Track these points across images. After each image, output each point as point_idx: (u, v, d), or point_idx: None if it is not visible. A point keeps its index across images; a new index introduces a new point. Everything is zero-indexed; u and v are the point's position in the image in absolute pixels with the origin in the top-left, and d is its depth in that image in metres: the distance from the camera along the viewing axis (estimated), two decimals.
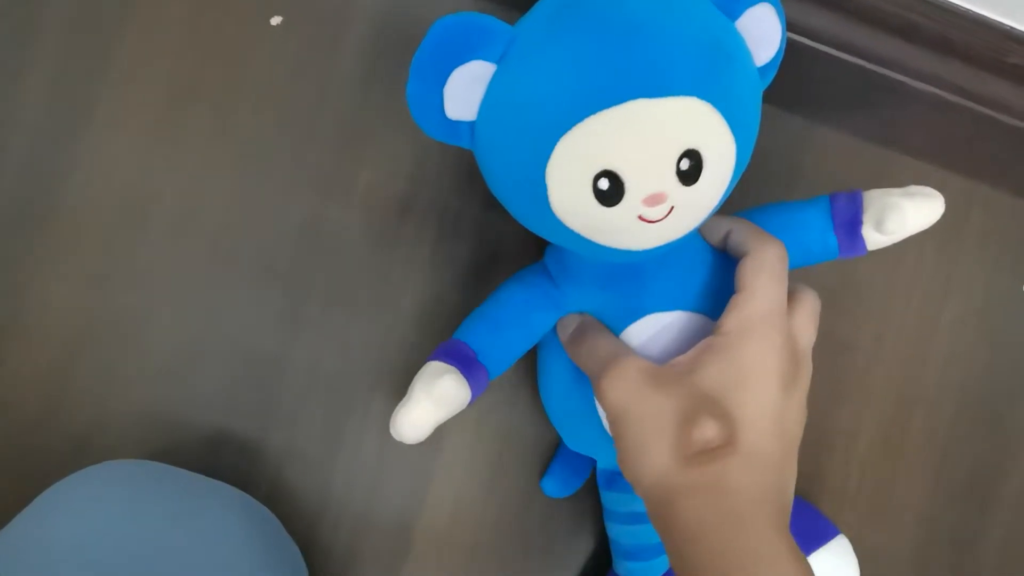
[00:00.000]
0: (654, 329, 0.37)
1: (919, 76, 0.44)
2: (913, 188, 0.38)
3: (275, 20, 0.45)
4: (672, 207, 0.33)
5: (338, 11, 0.45)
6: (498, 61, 0.32)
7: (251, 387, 0.45)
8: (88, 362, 0.44)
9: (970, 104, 0.44)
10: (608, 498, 0.45)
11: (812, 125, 0.48)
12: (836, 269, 0.44)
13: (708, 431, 0.33)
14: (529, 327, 0.39)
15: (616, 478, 0.44)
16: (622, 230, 0.33)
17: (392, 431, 0.36)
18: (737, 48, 0.33)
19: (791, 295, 0.36)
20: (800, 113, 0.48)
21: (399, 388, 0.45)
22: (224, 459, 0.45)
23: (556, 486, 0.46)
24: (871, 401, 0.49)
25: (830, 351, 0.49)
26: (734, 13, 0.34)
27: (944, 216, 0.49)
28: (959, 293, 0.50)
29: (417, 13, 0.46)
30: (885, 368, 0.49)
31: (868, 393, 0.49)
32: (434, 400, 0.36)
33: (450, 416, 0.37)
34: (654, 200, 0.32)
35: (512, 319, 0.39)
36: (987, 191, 0.50)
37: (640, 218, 0.33)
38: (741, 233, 0.37)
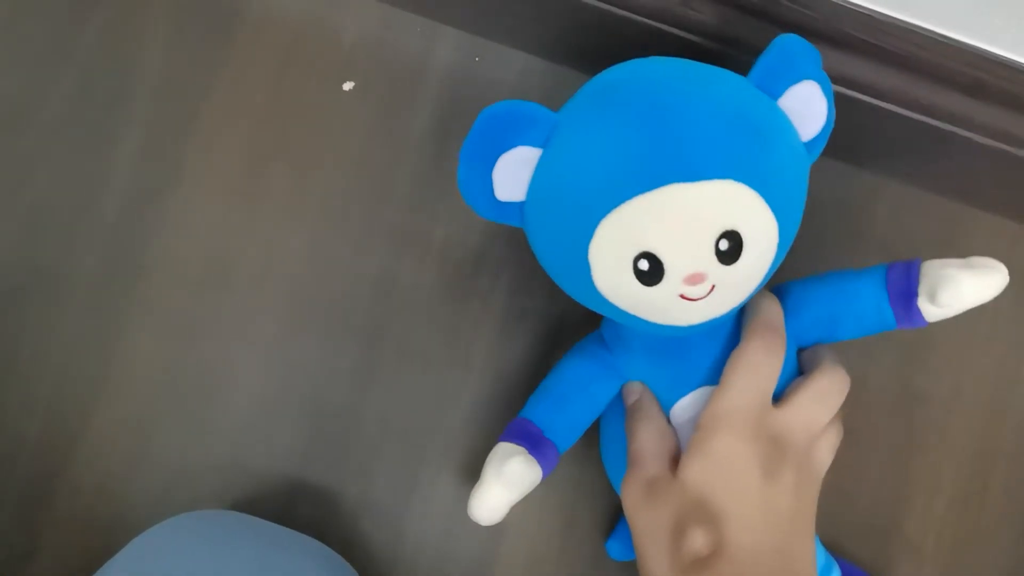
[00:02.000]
0: (701, 403, 0.38)
1: (987, 132, 0.44)
2: (975, 259, 0.37)
3: (347, 85, 0.47)
4: (713, 285, 0.33)
5: (411, 73, 0.47)
6: (543, 145, 0.34)
7: (327, 439, 0.46)
8: (171, 415, 0.45)
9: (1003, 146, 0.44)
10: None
11: (884, 180, 0.49)
12: None
13: (696, 541, 0.34)
14: (592, 399, 0.40)
15: None
16: (665, 308, 0.34)
17: (469, 514, 0.38)
18: (778, 128, 0.34)
19: (811, 370, 0.37)
20: (871, 168, 0.48)
21: (471, 441, 0.46)
22: (301, 510, 0.45)
23: (621, 549, 0.46)
24: (949, 455, 0.48)
25: (907, 403, 0.48)
26: (775, 93, 0.35)
27: (1020, 266, 0.49)
28: None
29: (486, 74, 0.47)
30: (964, 421, 0.48)
31: (946, 446, 0.48)
32: (504, 483, 0.37)
33: (524, 495, 0.38)
34: (694, 280, 0.33)
35: (574, 392, 0.40)
36: None
37: (682, 296, 0.33)
38: (750, 309, 0.38)
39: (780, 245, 0.34)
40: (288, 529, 0.40)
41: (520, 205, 0.35)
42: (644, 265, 0.32)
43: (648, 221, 0.31)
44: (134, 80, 0.46)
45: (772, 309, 0.38)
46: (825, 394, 0.37)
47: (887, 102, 0.43)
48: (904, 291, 0.37)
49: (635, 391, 0.39)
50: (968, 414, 0.49)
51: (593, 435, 0.47)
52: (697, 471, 0.35)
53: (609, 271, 0.33)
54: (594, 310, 0.37)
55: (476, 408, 0.46)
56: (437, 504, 0.46)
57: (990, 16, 0.39)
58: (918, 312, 0.37)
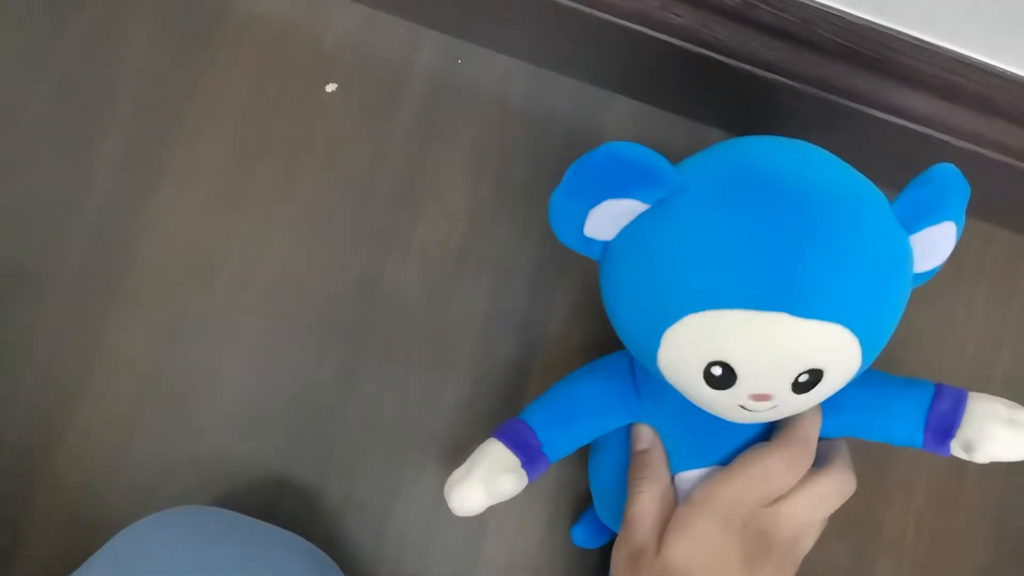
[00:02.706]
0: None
1: (961, 134, 0.44)
2: (1019, 414, 0.36)
3: (330, 87, 0.47)
4: (776, 406, 0.32)
5: (393, 75, 0.48)
6: (654, 204, 0.31)
7: (310, 438, 0.46)
8: (154, 414, 0.45)
9: (1012, 161, 0.45)
10: None
11: None
12: None
13: None
14: (600, 428, 0.39)
15: None
16: (720, 410, 0.34)
17: (446, 498, 0.37)
18: (901, 269, 0.32)
19: (821, 465, 0.36)
20: None
21: (453, 441, 0.46)
22: (284, 508, 0.45)
23: (585, 535, 0.46)
24: (926, 456, 0.48)
25: None
26: (912, 228, 0.33)
27: (994, 267, 0.50)
28: (1012, 343, 0.50)
29: (468, 76, 0.48)
30: None
31: None
32: (490, 493, 0.37)
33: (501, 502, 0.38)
34: (761, 399, 0.32)
35: (585, 416, 0.39)
36: None
37: (741, 407, 0.33)
38: (782, 421, 0.37)
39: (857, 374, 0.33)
40: (271, 525, 0.40)
41: (604, 244, 0.34)
42: (717, 371, 0.31)
43: (739, 337, 0.30)
44: (117, 82, 0.46)
45: (811, 424, 0.36)
46: (826, 497, 0.36)
47: (862, 104, 0.43)
48: (944, 429, 0.36)
49: (646, 439, 0.38)
50: None
51: None
52: (680, 551, 0.35)
53: (678, 361, 0.32)
54: (639, 361, 0.36)
55: (458, 408, 0.47)
56: (420, 503, 0.46)
57: (965, 20, 0.40)
58: (947, 450, 0.37)
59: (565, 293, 0.47)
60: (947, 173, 0.32)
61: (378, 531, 0.46)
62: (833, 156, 0.33)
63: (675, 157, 0.33)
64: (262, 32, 0.47)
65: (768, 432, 0.37)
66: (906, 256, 0.32)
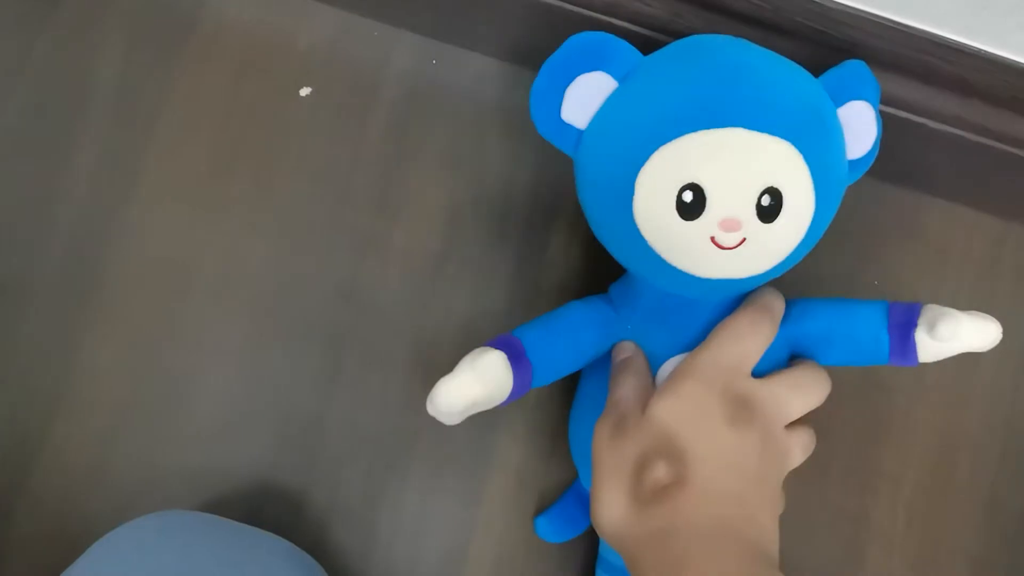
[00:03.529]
0: None
1: (942, 119, 0.44)
2: (974, 312, 0.38)
3: (304, 91, 0.47)
4: (744, 239, 0.35)
5: (368, 77, 0.47)
6: (620, 80, 0.36)
7: (293, 445, 0.45)
8: (135, 424, 0.45)
9: (994, 143, 0.45)
10: (605, 545, 0.44)
11: None
12: None
13: (658, 470, 0.35)
14: (579, 342, 0.40)
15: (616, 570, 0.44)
16: (694, 251, 0.35)
17: (428, 404, 0.36)
18: (834, 126, 0.37)
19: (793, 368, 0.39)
20: None
21: (436, 446, 0.46)
22: (269, 514, 0.45)
23: (549, 529, 0.46)
24: (914, 442, 0.48)
25: (870, 393, 0.48)
26: (838, 100, 0.37)
27: (978, 255, 0.50)
28: None
29: (443, 76, 0.47)
30: (927, 409, 0.49)
31: (911, 434, 0.48)
32: (477, 373, 0.36)
33: (488, 402, 0.37)
34: (730, 225, 0.34)
35: (566, 330, 0.40)
36: (1019, 229, 0.50)
37: (712, 240, 0.35)
38: (745, 299, 0.39)
39: (809, 230, 0.36)
40: (255, 528, 0.40)
41: (579, 133, 0.37)
42: (688, 196, 0.34)
43: (704, 155, 0.33)
44: (89, 92, 0.46)
45: (772, 296, 0.39)
46: (802, 386, 0.38)
47: None
48: (904, 322, 0.38)
49: (627, 349, 0.40)
50: (931, 402, 0.49)
51: (555, 431, 0.47)
52: (665, 409, 0.36)
53: (652, 199, 0.35)
54: (618, 254, 0.39)
55: None
56: (405, 507, 0.46)
57: (939, 1, 0.39)
58: (913, 346, 0.38)
59: (545, 293, 0.47)
60: (858, 63, 0.39)
61: (365, 536, 0.46)
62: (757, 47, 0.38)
63: None
64: (234, 38, 0.47)
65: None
66: (836, 119, 0.37)
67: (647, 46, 0.42)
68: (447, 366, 0.46)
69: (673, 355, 0.39)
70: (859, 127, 0.39)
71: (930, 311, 0.38)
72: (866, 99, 0.39)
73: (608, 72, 0.36)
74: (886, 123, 0.41)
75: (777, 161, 0.34)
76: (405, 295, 0.46)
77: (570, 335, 0.40)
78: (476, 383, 0.36)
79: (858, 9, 0.39)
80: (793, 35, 0.41)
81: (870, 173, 0.49)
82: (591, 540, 0.46)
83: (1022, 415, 0.49)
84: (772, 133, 0.34)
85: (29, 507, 0.44)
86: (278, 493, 0.45)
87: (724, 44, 0.37)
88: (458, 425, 0.45)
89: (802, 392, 0.38)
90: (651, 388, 0.38)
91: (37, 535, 0.44)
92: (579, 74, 0.36)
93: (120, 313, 0.45)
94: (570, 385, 0.44)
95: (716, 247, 0.35)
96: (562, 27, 0.43)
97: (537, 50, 0.47)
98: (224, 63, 0.47)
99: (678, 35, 0.41)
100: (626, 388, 0.38)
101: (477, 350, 0.37)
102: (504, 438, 0.46)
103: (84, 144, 0.46)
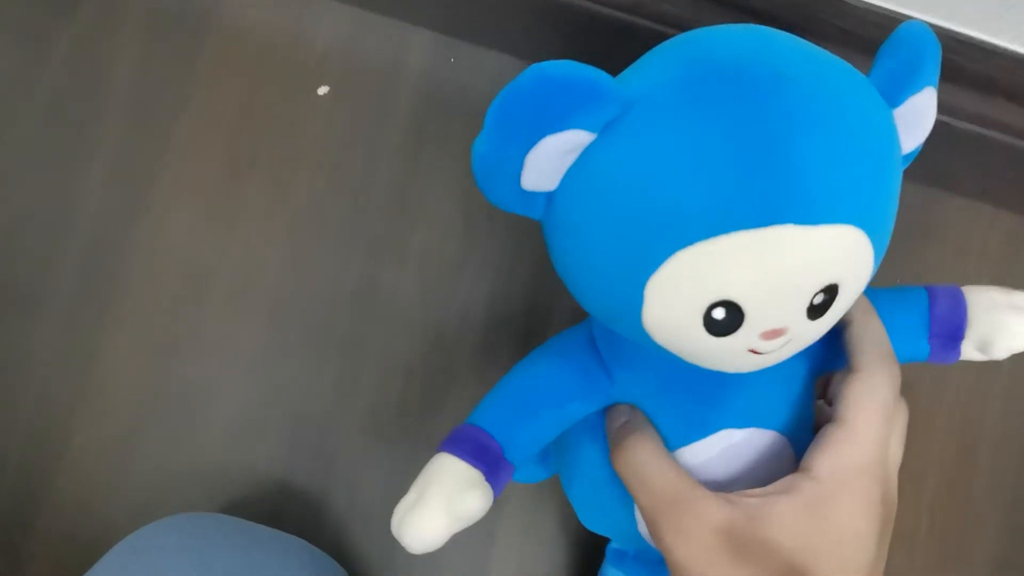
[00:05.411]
0: (720, 447, 0.31)
1: (964, 116, 0.44)
2: (1017, 298, 0.33)
3: (322, 90, 0.47)
4: (791, 339, 0.27)
5: (385, 76, 0.47)
6: (602, 131, 0.25)
7: (312, 448, 0.45)
8: (153, 431, 0.45)
9: (1015, 140, 0.44)
10: (612, 573, 0.41)
11: None
12: None
13: None
14: (567, 420, 0.32)
15: (625, 558, 0.40)
16: (724, 359, 0.28)
17: (394, 532, 0.30)
18: (895, 149, 0.27)
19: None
20: None
21: None
22: (288, 519, 0.45)
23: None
24: (936, 442, 0.48)
25: None
26: (897, 100, 0.27)
27: (999, 252, 0.49)
28: None
29: (461, 75, 0.47)
30: (948, 408, 0.49)
31: (932, 434, 0.48)
32: (452, 516, 0.29)
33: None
34: (773, 335, 0.26)
35: (547, 408, 0.31)
36: None
37: (751, 351, 0.27)
38: (861, 332, 0.30)
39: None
40: (275, 530, 0.40)
41: (547, 196, 0.27)
42: (719, 314, 0.25)
43: (741, 266, 0.24)
44: (105, 97, 0.46)
45: (883, 330, 0.31)
46: (904, 427, 0.32)
47: None
48: (950, 333, 0.33)
49: (622, 412, 0.31)
50: (952, 402, 0.49)
51: None
52: (802, 534, 0.27)
53: (669, 314, 0.26)
54: (616, 331, 0.30)
55: (460, 415, 0.45)
56: None
57: (964, 1, 0.39)
58: (958, 354, 0.33)
59: (565, 295, 0.47)
60: (917, 31, 0.27)
61: (386, 539, 0.45)
62: (793, 36, 0.27)
63: None
64: (251, 39, 0.46)
65: (776, 386, 0.31)
66: (895, 133, 0.27)
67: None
68: (465, 371, 0.46)
69: (699, 436, 0.31)
70: (917, 121, 0.29)
71: (979, 319, 0.32)
72: (929, 83, 0.28)
73: (583, 128, 0.25)
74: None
75: (838, 254, 0.25)
76: (423, 299, 0.46)
77: (552, 416, 0.31)
78: (452, 525, 0.29)
79: (884, 8, 0.39)
80: (816, 33, 0.40)
81: (939, 185, 0.48)
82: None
83: None
84: (833, 222, 0.24)
85: (49, 514, 0.44)
86: (298, 497, 0.45)
87: (747, 73, 0.25)
88: None
89: (903, 433, 0.32)
90: (681, 472, 0.29)
91: (57, 541, 0.44)
92: (542, 137, 0.25)
93: (137, 319, 0.45)
94: None
95: (755, 354, 0.27)
96: (581, 25, 0.42)
97: (556, 47, 0.47)
98: (241, 65, 0.46)
99: None
100: (665, 476, 0.29)
101: (450, 478, 0.29)
102: None
103: (101, 151, 0.45)
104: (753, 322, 0.26)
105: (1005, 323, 0.32)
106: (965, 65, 0.41)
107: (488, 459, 0.30)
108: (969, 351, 0.33)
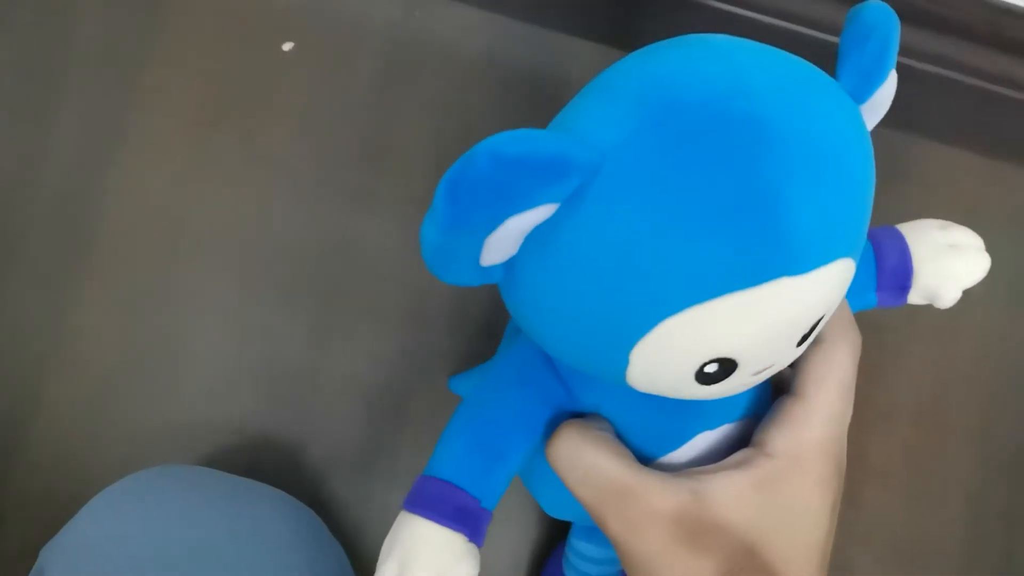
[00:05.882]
0: (696, 451, 0.30)
1: (923, 57, 0.44)
2: (956, 235, 0.32)
3: (287, 46, 0.47)
4: (774, 366, 0.26)
5: (350, 29, 0.47)
6: (566, 201, 0.22)
7: (288, 399, 0.45)
8: (129, 382, 0.45)
9: (977, 82, 0.45)
10: (580, 546, 0.40)
11: None
12: None
13: None
14: (534, 447, 0.30)
15: (594, 531, 0.39)
16: (710, 394, 0.26)
17: None
18: (869, 153, 0.25)
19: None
20: None
21: (432, 395, 0.46)
22: (266, 469, 0.45)
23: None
24: (908, 381, 0.48)
25: (863, 333, 0.48)
26: (866, 96, 0.26)
27: (968, 193, 0.50)
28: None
29: (426, 27, 0.47)
30: (920, 346, 0.49)
31: (904, 373, 0.49)
32: None
33: None
34: (764, 372, 0.25)
35: (516, 444, 0.29)
36: (1006, 168, 0.50)
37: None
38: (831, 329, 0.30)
39: None
40: (253, 481, 0.40)
41: (506, 263, 0.24)
42: (712, 368, 0.24)
43: (736, 326, 0.23)
44: (71, 50, 0.46)
45: (843, 296, 0.31)
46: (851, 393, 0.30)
47: (819, 31, 0.43)
48: (898, 284, 0.32)
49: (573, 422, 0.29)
50: (924, 340, 0.49)
51: None
52: (756, 514, 0.27)
53: (658, 372, 0.24)
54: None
55: (434, 363, 0.46)
56: (402, 461, 0.46)
57: None
58: (905, 302, 0.33)
59: None
60: (882, 17, 0.25)
61: (363, 491, 0.45)
62: (751, 42, 0.25)
63: None
64: None
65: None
66: (868, 138, 0.26)
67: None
68: (440, 319, 0.46)
69: (675, 447, 0.29)
70: (880, 105, 0.27)
71: (924, 269, 0.32)
72: (891, 67, 0.27)
73: (548, 203, 0.22)
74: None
75: (832, 289, 0.24)
76: (396, 248, 0.46)
77: (522, 450, 0.30)
78: None
79: None
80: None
81: (906, 129, 0.49)
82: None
83: (1013, 349, 0.50)
84: (825, 263, 0.23)
85: (26, 469, 0.44)
86: (275, 448, 0.45)
87: (719, 106, 0.22)
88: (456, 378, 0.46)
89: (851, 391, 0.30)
90: (631, 461, 0.28)
91: (35, 496, 0.44)
92: (503, 221, 0.22)
93: (109, 272, 0.45)
94: None
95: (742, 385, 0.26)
96: None
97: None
98: (205, 19, 0.46)
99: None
100: (612, 469, 0.27)
101: (433, 557, 0.27)
102: None
103: (67, 103, 0.45)
104: (746, 367, 0.25)
105: (951, 270, 0.32)
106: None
107: (469, 520, 0.28)
108: (916, 299, 0.33)
